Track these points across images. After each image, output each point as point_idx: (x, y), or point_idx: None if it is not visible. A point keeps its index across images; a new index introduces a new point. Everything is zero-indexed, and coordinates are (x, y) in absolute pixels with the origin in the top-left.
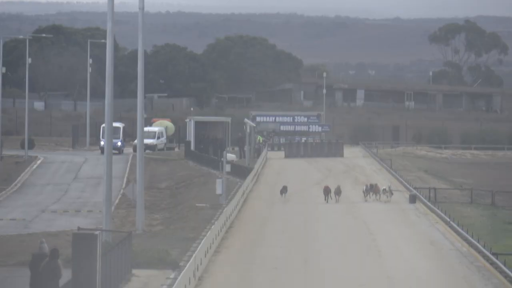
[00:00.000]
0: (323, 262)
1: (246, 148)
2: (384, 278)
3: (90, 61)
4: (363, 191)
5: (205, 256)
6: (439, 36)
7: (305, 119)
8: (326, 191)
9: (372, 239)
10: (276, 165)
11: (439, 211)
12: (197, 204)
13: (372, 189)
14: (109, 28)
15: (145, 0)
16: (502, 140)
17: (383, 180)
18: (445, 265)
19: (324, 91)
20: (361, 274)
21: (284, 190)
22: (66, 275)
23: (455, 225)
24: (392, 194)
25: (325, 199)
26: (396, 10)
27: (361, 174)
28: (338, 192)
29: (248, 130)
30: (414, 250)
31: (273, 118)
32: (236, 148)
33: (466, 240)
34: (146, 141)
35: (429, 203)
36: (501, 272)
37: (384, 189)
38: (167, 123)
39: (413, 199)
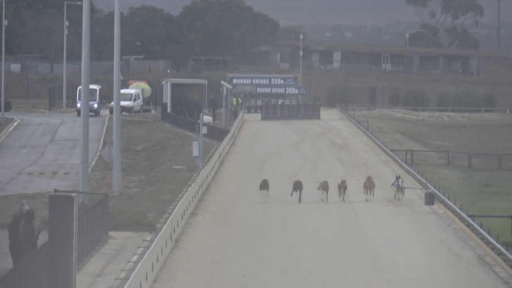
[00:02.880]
0: (299, 223)
1: (222, 110)
2: (361, 240)
3: (66, 23)
4: (338, 187)
5: (182, 218)
6: None
7: (282, 81)
8: (297, 186)
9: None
10: (252, 128)
11: (415, 173)
12: (173, 166)
13: (343, 185)
14: None
15: None
16: (479, 102)
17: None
18: (422, 228)
19: (301, 53)
20: (339, 236)
21: (264, 185)
22: (43, 237)
23: (432, 187)
24: (403, 192)
25: (291, 194)
26: None
27: (337, 137)
28: (325, 187)
29: (224, 92)
30: (391, 212)
31: (250, 80)
32: (210, 110)
33: (442, 202)
34: (123, 103)
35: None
36: (478, 234)
37: (399, 185)
38: (144, 85)
39: (430, 199)
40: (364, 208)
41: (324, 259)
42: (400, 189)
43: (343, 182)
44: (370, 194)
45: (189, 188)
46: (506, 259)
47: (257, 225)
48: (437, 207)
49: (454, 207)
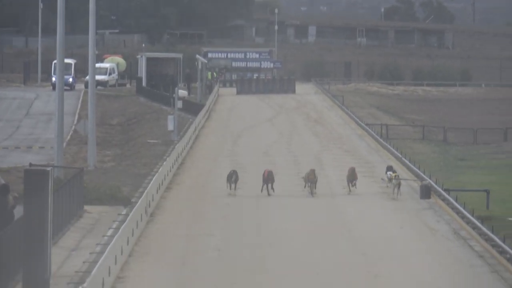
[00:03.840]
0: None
1: (197, 84)
2: (336, 214)
3: None
4: (304, 179)
5: (157, 193)
6: None
7: (257, 56)
8: (268, 179)
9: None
10: (227, 102)
11: (391, 148)
12: (148, 141)
13: (310, 177)
14: None
15: None
16: (454, 77)
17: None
18: (397, 201)
19: (276, 27)
20: (315, 208)
21: (233, 176)
22: (18, 211)
23: (407, 162)
24: (399, 185)
25: (262, 189)
26: None
27: (312, 111)
28: (312, 179)
29: (199, 66)
30: (365, 186)
31: (225, 55)
32: (185, 84)
33: (418, 176)
34: (98, 77)
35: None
36: (453, 208)
37: (392, 176)
38: (119, 59)
39: (426, 191)
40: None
41: (300, 233)
42: (390, 179)
43: (312, 171)
44: (353, 186)
45: (164, 162)
46: (481, 233)
47: (233, 200)
48: (411, 181)
49: (429, 180)
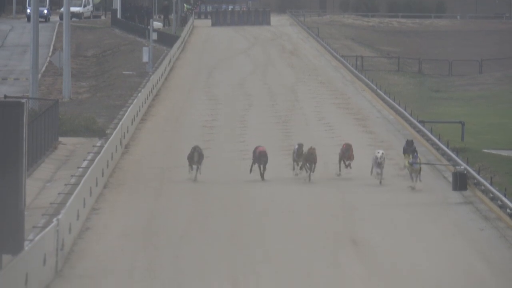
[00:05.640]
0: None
1: (173, 16)
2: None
3: None
4: (293, 157)
5: (132, 124)
6: None
7: None
8: (260, 158)
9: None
10: (203, 34)
11: (365, 79)
12: (123, 72)
13: (299, 152)
14: None
15: None
16: (429, 8)
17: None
18: (372, 133)
19: None
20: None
21: (194, 156)
22: None
23: (381, 93)
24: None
25: (250, 170)
26: None
27: (288, 43)
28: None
29: None
30: (341, 115)
31: None
32: (162, 16)
33: (393, 108)
34: (73, 9)
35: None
36: (428, 139)
37: (406, 164)
38: None
39: (460, 180)
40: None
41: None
42: (413, 167)
43: (312, 151)
44: (347, 167)
45: (139, 94)
46: (456, 165)
47: (208, 131)
48: (387, 112)
49: (404, 112)
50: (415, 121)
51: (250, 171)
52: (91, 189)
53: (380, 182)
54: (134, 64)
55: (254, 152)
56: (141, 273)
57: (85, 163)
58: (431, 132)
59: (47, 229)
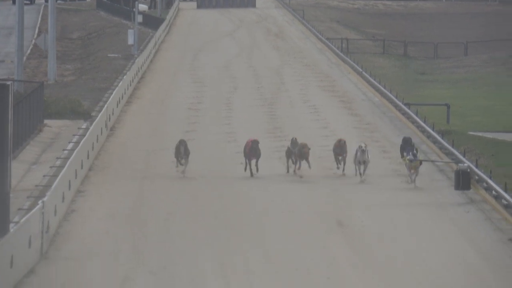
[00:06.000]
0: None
1: None
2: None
3: None
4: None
5: (117, 107)
6: None
7: None
8: (252, 153)
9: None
10: (188, 16)
11: (350, 61)
12: (109, 55)
13: (295, 145)
14: None
15: None
16: None
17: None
18: (358, 115)
19: None
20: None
21: (181, 150)
22: None
23: (367, 76)
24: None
25: (245, 168)
26: None
27: (273, 25)
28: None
29: None
30: (326, 98)
31: None
32: None
33: (378, 90)
34: None
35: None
36: (413, 122)
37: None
38: None
39: (463, 179)
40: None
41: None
42: (412, 163)
43: (304, 146)
44: (340, 163)
45: (124, 76)
46: (441, 147)
47: (193, 113)
48: (372, 95)
49: (390, 95)
50: (400, 104)
51: (245, 169)
52: (76, 171)
53: (362, 176)
54: (119, 47)
55: (245, 147)
56: (126, 255)
57: (70, 146)
58: (417, 114)
59: (32, 211)
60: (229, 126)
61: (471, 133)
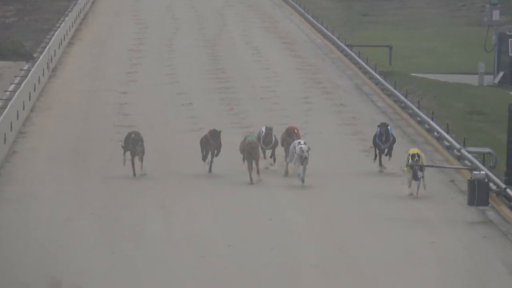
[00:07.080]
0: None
1: None
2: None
3: None
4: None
5: (59, 48)
6: None
7: None
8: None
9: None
10: None
11: (293, 2)
12: None
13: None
14: None
15: None
16: None
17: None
18: (300, 57)
19: None
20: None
21: (138, 146)
22: None
23: (309, 17)
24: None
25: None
26: None
27: None
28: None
29: None
30: (268, 39)
31: None
32: None
33: (320, 32)
34: None
35: None
36: (356, 63)
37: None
38: None
39: (479, 192)
40: None
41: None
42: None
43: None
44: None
45: (66, 18)
46: (383, 89)
47: (135, 55)
48: (315, 36)
49: (332, 36)
50: (342, 45)
51: (204, 158)
52: (18, 112)
53: (303, 181)
54: None
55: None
56: (68, 197)
57: (12, 87)
58: (359, 56)
59: None
60: (171, 68)
61: (413, 74)
